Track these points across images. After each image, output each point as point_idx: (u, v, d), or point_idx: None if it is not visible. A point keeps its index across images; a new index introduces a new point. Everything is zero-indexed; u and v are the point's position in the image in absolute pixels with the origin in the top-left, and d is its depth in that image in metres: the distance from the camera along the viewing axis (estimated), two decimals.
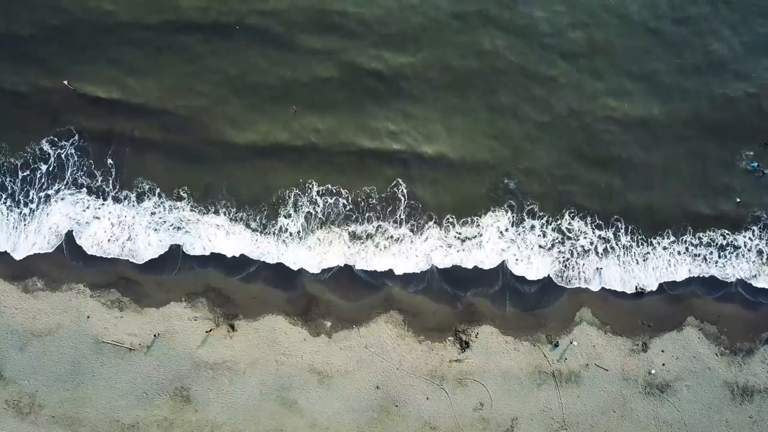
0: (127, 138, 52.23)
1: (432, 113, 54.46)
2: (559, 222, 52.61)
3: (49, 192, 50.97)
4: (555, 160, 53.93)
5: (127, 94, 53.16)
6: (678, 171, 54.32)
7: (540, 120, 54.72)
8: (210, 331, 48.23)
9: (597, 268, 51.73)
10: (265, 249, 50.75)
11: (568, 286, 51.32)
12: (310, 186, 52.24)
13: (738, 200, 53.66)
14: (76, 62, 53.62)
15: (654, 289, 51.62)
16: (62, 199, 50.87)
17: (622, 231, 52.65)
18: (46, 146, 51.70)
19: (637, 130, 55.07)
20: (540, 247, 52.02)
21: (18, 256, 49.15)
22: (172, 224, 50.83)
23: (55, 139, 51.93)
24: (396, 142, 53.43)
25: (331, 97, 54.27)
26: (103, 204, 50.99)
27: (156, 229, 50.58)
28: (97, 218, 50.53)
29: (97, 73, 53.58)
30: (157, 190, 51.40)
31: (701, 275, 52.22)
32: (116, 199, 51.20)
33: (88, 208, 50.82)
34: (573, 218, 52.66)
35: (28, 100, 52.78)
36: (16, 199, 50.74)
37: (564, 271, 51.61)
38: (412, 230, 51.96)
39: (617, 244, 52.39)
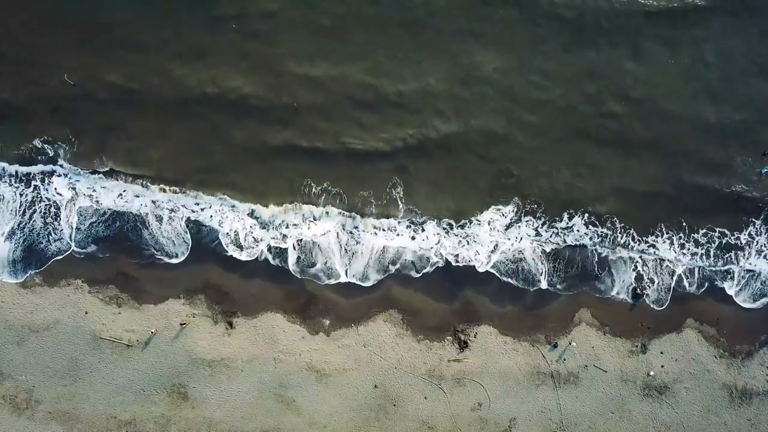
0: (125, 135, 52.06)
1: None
2: (557, 222, 52.35)
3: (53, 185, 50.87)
4: (552, 159, 53.54)
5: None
6: (676, 169, 54.00)
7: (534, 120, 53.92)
8: (184, 324, 48.10)
9: (598, 274, 51.64)
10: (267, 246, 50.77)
11: (567, 292, 51.22)
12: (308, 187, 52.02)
13: (736, 198, 53.39)
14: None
15: (664, 304, 51.44)
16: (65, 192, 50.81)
17: (619, 230, 52.40)
18: (43, 144, 51.32)
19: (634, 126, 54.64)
20: (539, 247, 51.90)
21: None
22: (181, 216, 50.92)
23: (52, 138, 51.26)
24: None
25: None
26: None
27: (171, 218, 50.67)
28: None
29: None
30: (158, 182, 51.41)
31: (699, 276, 52.18)
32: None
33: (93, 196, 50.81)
34: (571, 218, 52.40)
35: (28, 95, 52.29)
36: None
37: (562, 275, 51.53)
38: (411, 228, 51.73)
39: (615, 244, 52.23)
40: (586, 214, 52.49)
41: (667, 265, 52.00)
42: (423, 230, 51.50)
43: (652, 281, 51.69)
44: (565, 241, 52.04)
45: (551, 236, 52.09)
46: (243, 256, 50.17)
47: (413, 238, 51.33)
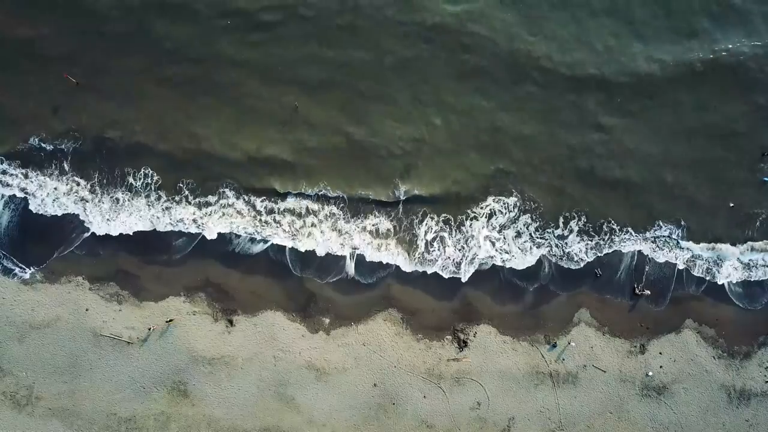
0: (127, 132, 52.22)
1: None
2: (553, 226, 52.46)
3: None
4: (549, 160, 53.79)
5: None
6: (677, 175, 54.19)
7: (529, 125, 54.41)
8: (171, 321, 48.26)
9: (597, 273, 51.78)
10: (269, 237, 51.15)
11: (567, 292, 51.38)
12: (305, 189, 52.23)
13: (731, 205, 53.57)
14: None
15: (663, 303, 51.62)
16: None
17: (616, 231, 52.55)
18: (45, 143, 51.48)
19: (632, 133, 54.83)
20: (537, 247, 52.07)
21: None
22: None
23: (52, 135, 51.46)
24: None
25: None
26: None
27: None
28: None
29: None
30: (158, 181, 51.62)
31: (693, 276, 52.33)
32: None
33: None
34: (568, 221, 52.52)
35: (29, 93, 52.42)
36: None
37: (561, 274, 51.69)
38: (409, 227, 51.90)
39: (609, 245, 52.42)
40: (583, 217, 52.63)
41: (666, 262, 52.14)
42: (419, 230, 51.74)
43: (651, 280, 51.81)
44: (563, 243, 52.19)
45: (548, 238, 52.23)
46: (251, 250, 50.58)
47: (413, 236, 51.61)
